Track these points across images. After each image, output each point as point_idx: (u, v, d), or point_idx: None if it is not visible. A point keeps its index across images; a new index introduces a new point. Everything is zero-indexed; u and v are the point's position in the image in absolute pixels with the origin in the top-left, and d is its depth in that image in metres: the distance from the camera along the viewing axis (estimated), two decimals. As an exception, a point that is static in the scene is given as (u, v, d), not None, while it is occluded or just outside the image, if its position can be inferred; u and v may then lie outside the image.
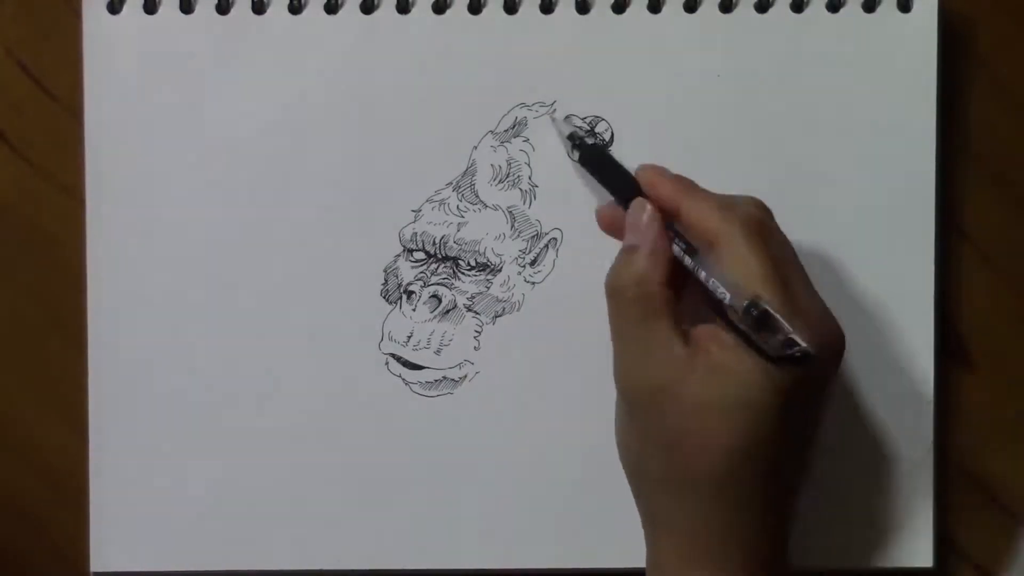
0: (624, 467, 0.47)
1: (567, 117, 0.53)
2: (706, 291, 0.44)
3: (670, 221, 0.46)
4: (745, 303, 0.42)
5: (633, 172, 0.49)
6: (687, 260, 0.45)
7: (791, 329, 0.42)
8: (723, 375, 0.43)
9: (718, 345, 0.43)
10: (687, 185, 0.47)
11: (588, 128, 0.52)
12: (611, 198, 0.49)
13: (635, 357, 0.45)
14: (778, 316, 0.42)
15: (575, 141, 0.51)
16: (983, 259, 0.55)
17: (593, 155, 0.50)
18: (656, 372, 0.44)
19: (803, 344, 0.41)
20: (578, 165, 0.51)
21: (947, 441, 0.55)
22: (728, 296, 0.43)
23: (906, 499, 0.54)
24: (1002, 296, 0.55)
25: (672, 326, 0.44)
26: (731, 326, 0.43)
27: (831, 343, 0.45)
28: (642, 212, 0.46)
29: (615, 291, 0.46)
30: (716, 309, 0.44)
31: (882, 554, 0.54)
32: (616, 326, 0.46)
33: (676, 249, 0.45)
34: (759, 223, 0.45)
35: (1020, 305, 0.56)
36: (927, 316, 0.54)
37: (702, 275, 0.44)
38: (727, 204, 0.46)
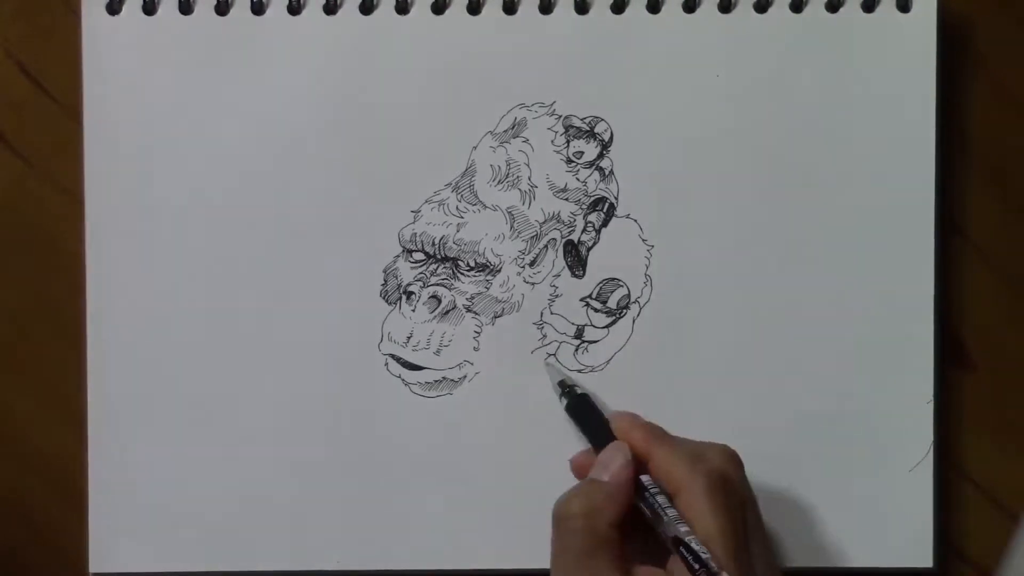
0: None
1: (555, 359, 0.53)
2: (667, 541, 0.44)
3: (642, 471, 0.47)
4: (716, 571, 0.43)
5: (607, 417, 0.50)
6: (661, 508, 0.45)
7: None
8: None
9: None
10: (658, 433, 0.48)
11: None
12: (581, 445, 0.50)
13: None
14: None
15: (564, 389, 0.51)
16: (983, 259, 0.55)
17: (580, 404, 0.51)
18: None
19: None
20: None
21: (947, 441, 0.55)
22: (703, 557, 0.43)
23: (906, 499, 0.54)
24: (1002, 296, 0.55)
25: (613, 564, 0.44)
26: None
27: None
28: (618, 453, 0.47)
29: (562, 518, 0.46)
30: (674, 555, 0.44)
31: (882, 554, 0.54)
32: (556, 554, 0.46)
33: (648, 497, 0.46)
34: (723, 479, 0.45)
35: (1020, 305, 0.55)
36: (927, 316, 0.54)
37: (680, 529, 0.44)
38: (696, 455, 0.46)
